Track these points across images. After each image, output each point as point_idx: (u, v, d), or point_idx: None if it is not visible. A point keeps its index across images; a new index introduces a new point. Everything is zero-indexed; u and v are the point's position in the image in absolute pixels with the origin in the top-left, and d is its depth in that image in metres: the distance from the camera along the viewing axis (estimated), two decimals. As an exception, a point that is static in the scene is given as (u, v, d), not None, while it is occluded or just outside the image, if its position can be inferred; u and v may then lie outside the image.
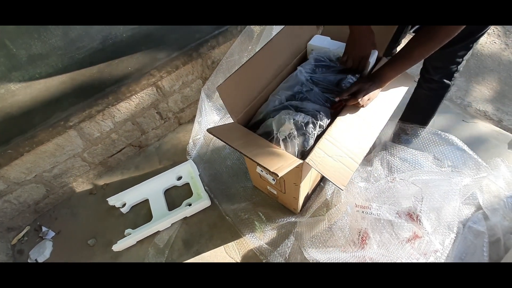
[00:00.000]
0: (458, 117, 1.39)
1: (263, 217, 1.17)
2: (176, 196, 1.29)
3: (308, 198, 1.17)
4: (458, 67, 0.92)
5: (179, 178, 1.31)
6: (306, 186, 1.00)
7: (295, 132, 0.77)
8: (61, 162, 1.23)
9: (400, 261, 0.86)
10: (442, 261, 0.84)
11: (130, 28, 1.32)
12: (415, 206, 0.93)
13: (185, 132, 1.52)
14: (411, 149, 1.13)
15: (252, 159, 0.70)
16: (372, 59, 0.91)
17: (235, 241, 1.13)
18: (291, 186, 0.94)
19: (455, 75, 0.95)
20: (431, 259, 0.84)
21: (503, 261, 0.87)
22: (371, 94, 0.80)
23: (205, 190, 1.25)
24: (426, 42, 0.68)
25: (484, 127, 1.35)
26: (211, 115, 1.48)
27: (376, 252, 0.92)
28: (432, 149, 1.20)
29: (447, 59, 0.90)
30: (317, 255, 0.95)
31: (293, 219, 1.12)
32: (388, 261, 0.86)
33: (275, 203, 1.20)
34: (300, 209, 1.14)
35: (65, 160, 1.24)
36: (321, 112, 0.82)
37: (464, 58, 0.89)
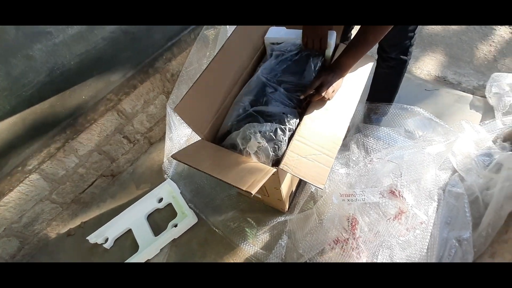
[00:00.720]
0: (420, 87, 1.44)
1: (253, 222, 1.15)
2: (160, 220, 1.23)
3: (293, 195, 1.16)
4: (411, 41, 0.94)
5: (160, 200, 1.26)
6: (287, 187, 0.99)
7: (265, 144, 0.74)
8: (29, 209, 1.14)
9: (390, 240, 0.87)
10: (429, 230, 0.86)
11: (77, 54, 1.24)
12: (396, 183, 0.95)
13: (158, 151, 1.47)
14: (382, 127, 1.16)
15: (223, 181, 0.67)
16: (332, 40, 0.90)
17: (229, 253, 1.11)
18: (273, 190, 0.93)
19: (409, 49, 0.97)
20: (418, 232, 0.86)
21: (485, 217, 0.91)
22: (335, 85, 0.80)
23: (189, 207, 1.21)
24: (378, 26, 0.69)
25: (445, 92, 1.40)
26: (181, 129, 1.43)
27: (366, 235, 0.92)
28: (402, 123, 1.23)
29: (399, 35, 0.92)
30: (311, 252, 0.94)
31: (282, 218, 1.11)
32: (379, 242, 0.87)
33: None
34: (288, 207, 1.13)
35: (33, 206, 1.15)
36: (288, 114, 0.81)
37: (415, 32, 0.91)
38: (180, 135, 1.42)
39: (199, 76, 0.80)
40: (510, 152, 0.92)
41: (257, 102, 0.86)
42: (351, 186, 0.99)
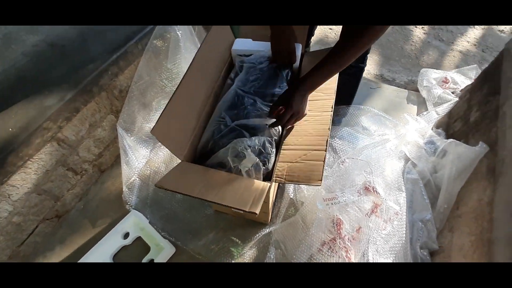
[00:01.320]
0: (366, 86, 1.58)
1: (237, 240, 1.10)
2: (130, 258, 1.08)
3: (273, 204, 1.15)
4: (368, 50, 1.02)
5: (126, 236, 1.10)
6: (272, 198, 0.98)
7: (257, 160, 0.72)
8: None
9: (373, 235, 0.94)
10: (404, 219, 0.95)
11: (-10, 75, 0.98)
12: (368, 179, 1.03)
13: (113, 179, 1.28)
14: (344, 128, 1.24)
15: (222, 205, 0.62)
16: (299, 52, 0.92)
17: (216, 278, 1.04)
18: None
19: (366, 57, 1.05)
20: (396, 222, 0.95)
21: (440, 197, 1.05)
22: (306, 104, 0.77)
23: (163, 236, 1.09)
24: (358, 41, 0.65)
25: (386, 89, 1.58)
26: (138, 150, 1.29)
27: (349, 233, 0.98)
28: (358, 121, 1.34)
29: None
30: (302, 259, 0.95)
31: (267, 230, 1.08)
32: (366, 239, 0.92)
33: (244, 221, 1.14)
34: (270, 218, 1.12)
35: (-51, 279, 0.87)
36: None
37: None
38: (138, 157, 1.28)
39: (173, 94, 0.73)
40: (452, 140, 1.09)
41: (238, 116, 0.82)
42: (330, 189, 1.04)
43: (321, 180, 0.66)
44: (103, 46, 1.15)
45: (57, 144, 1.03)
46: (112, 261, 1.05)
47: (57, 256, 1.09)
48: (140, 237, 1.11)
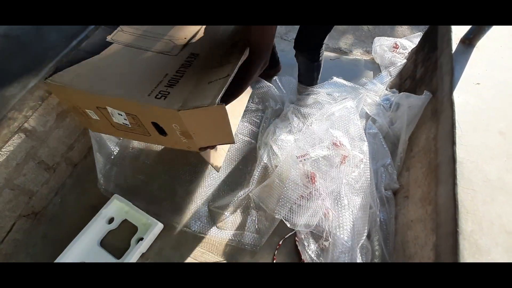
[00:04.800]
0: (325, 58, 1.69)
1: (218, 210, 1.15)
2: (117, 241, 1.09)
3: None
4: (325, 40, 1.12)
5: (111, 221, 1.11)
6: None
7: None
8: None
9: (341, 180, 1.03)
10: (368, 164, 1.07)
11: None
12: (335, 135, 1.13)
13: (88, 169, 1.26)
14: (311, 96, 1.34)
15: None
16: None
17: (206, 246, 1.09)
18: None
19: (319, 53, 1.15)
20: (362, 166, 1.06)
21: (399, 145, 1.17)
22: None
23: (149, 215, 1.12)
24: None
25: (344, 59, 1.71)
26: (110, 138, 1.28)
27: (323, 184, 1.08)
28: (322, 89, 1.44)
29: (320, 34, 1.09)
30: (282, 212, 1.02)
31: (242, 193, 1.14)
32: (334, 187, 1.02)
33: (222, 191, 1.19)
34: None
35: None
36: None
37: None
38: (111, 145, 1.28)
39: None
40: (403, 92, 1.22)
41: None
42: (302, 148, 1.12)
43: None
44: (61, 33, 1.12)
45: (24, 136, 1.00)
46: (99, 247, 1.06)
47: (42, 251, 1.07)
48: (125, 219, 1.12)
